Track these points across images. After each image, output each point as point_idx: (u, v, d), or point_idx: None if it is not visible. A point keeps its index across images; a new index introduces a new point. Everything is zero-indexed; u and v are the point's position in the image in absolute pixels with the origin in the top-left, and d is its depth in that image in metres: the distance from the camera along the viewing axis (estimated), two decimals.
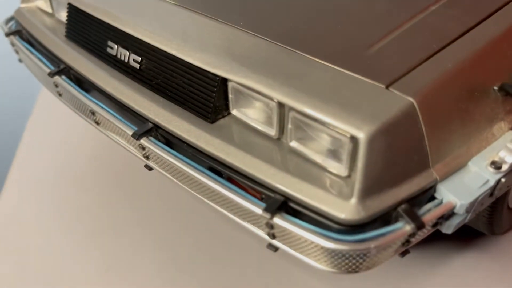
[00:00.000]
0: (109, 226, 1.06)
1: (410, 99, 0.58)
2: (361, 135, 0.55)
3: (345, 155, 0.58)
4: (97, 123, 0.86)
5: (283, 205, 0.61)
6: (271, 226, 0.61)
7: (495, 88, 0.66)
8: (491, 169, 0.62)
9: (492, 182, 0.62)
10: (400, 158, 0.58)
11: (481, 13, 0.71)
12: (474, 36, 0.68)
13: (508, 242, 0.99)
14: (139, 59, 0.81)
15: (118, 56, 0.85)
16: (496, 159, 0.63)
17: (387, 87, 0.60)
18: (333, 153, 0.61)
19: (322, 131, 0.60)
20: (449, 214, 0.63)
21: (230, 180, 0.69)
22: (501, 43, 0.68)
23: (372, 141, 0.55)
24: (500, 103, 0.68)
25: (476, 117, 0.65)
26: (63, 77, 0.92)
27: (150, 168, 0.80)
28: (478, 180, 0.62)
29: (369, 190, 0.57)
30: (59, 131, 1.36)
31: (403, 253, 0.62)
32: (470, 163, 0.64)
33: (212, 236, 1.03)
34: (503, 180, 0.63)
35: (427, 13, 0.72)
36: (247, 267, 0.96)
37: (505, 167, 0.62)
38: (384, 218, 0.59)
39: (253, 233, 0.66)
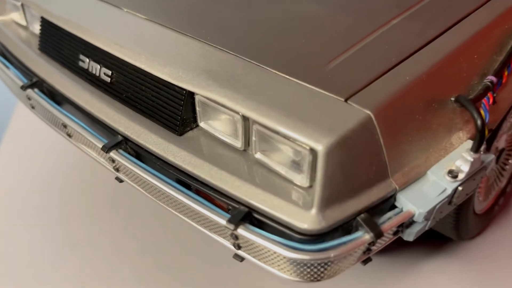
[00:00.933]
0: (85, 238, 1.07)
1: (368, 112, 0.60)
2: (319, 148, 0.57)
3: (306, 166, 0.60)
4: (69, 136, 0.87)
5: (247, 216, 0.63)
6: (235, 237, 0.62)
7: (452, 99, 0.69)
8: (448, 178, 0.65)
9: (449, 191, 0.64)
10: (358, 169, 0.60)
11: (440, 27, 0.74)
12: (431, 50, 0.70)
13: (476, 247, 1.02)
14: (109, 72, 0.82)
15: (90, 69, 0.85)
16: (453, 168, 0.65)
17: (346, 100, 0.62)
18: (296, 165, 0.62)
19: (284, 143, 0.62)
20: (409, 222, 0.65)
21: (198, 192, 0.70)
22: (458, 56, 0.71)
23: (329, 153, 0.57)
24: (458, 113, 0.70)
25: (434, 128, 0.68)
26: (36, 90, 0.92)
27: (121, 180, 0.80)
28: (436, 189, 0.64)
29: (329, 201, 0.59)
30: (36, 142, 1.36)
31: (365, 261, 0.64)
32: (428, 172, 0.66)
33: (191, 244, 1.03)
34: (460, 188, 0.65)
35: (388, 27, 0.75)
36: (224, 275, 0.97)
37: (461, 176, 0.64)
38: (345, 228, 0.61)
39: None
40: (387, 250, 1.00)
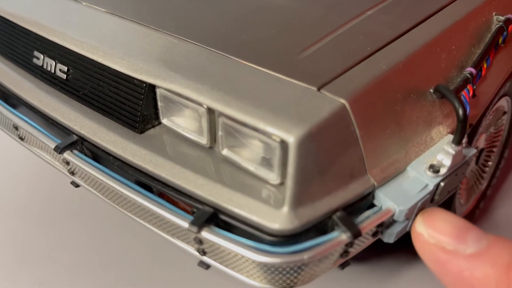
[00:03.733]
0: (42, 251, 0.98)
1: (342, 100, 0.56)
2: (291, 139, 0.52)
3: (276, 161, 0.54)
4: (21, 139, 0.80)
5: (213, 217, 0.56)
6: (199, 241, 0.56)
7: (431, 90, 0.65)
8: (429, 173, 0.60)
9: (431, 187, 0.59)
10: (333, 163, 0.55)
11: (416, 18, 0.71)
12: (408, 39, 0.67)
13: None
14: (65, 68, 0.76)
15: (45, 66, 0.79)
16: (434, 162, 0.61)
17: (318, 89, 0.57)
18: (266, 160, 0.57)
19: (253, 137, 0.57)
20: (389, 222, 0.59)
21: (161, 195, 0.64)
22: (435, 46, 0.67)
23: (302, 144, 0.52)
24: (437, 106, 0.66)
25: (414, 121, 0.63)
26: None
27: (77, 185, 0.74)
28: (417, 185, 0.60)
29: (301, 198, 0.53)
30: None
31: (343, 265, 0.59)
32: (408, 168, 0.61)
33: (154, 257, 0.96)
34: (442, 184, 0.60)
35: (362, 18, 0.71)
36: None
37: (443, 171, 0.60)
38: (320, 228, 0.55)
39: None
40: (367, 258, 0.95)
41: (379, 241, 0.70)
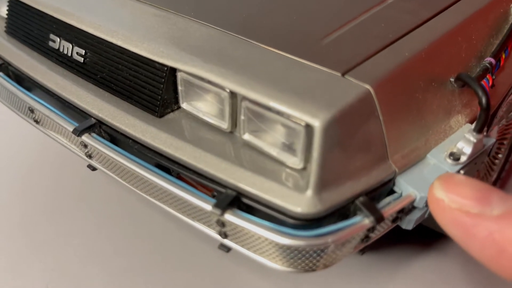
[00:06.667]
0: (54, 235, 0.98)
1: (367, 86, 0.56)
2: (316, 123, 0.52)
3: (300, 145, 0.55)
4: (37, 122, 0.79)
5: (235, 200, 0.57)
6: (222, 224, 0.57)
7: (452, 79, 0.65)
8: (449, 161, 0.61)
9: None
10: (357, 148, 0.55)
11: (437, 6, 0.71)
12: (430, 28, 0.67)
13: None
14: (83, 52, 0.75)
15: (61, 49, 0.79)
16: (455, 150, 0.61)
17: (343, 75, 0.57)
18: (288, 145, 0.57)
19: (276, 122, 0.57)
20: (409, 208, 0.60)
21: (180, 178, 0.64)
22: (456, 35, 0.67)
23: (327, 129, 0.52)
24: (457, 95, 0.66)
25: (434, 109, 0.64)
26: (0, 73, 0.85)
27: (94, 168, 0.74)
28: (437, 172, 0.60)
29: (325, 182, 0.54)
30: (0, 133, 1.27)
31: (363, 250, 0.59)
32: (429, 155, 0.62)
33: (167, 243, 0.97)
34: (461, 172, 0.61)
35: (384, 5, 0.71)
36: (203, 275, 0.90)
37: (463, 159, 0.60)
38: (342, 212, 0.56)
39: (207, 236, 0.62)
40: (378, 247, 0.96)
41: (390, 230, 0.70)
